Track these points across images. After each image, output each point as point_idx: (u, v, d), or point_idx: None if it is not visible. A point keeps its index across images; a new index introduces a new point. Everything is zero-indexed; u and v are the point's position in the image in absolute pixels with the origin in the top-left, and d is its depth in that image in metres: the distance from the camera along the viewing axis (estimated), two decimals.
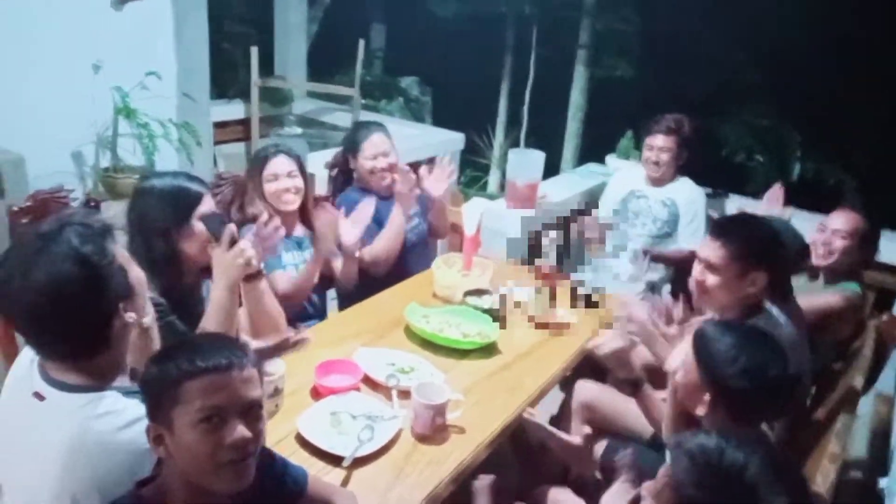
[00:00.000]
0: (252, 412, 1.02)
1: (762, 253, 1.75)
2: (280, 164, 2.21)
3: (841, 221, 2.23)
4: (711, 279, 1.77)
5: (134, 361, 1.22)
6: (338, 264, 2.37)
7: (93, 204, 3.11)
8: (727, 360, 1.33)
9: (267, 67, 4.87)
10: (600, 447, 2.08)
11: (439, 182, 2.55)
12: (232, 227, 1.57)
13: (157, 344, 1.31)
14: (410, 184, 2.42)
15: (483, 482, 1.73)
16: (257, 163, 2.23)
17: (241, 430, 0.99)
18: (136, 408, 1.11)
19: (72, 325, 1.10)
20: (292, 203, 2.23)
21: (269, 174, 2.20)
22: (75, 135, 3.33)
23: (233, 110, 4.63)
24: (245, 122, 4.65)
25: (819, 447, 1.56)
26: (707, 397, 1.37)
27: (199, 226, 1.67)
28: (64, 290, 1.07)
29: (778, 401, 1.34)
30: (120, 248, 1.19)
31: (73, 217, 1.15)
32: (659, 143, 2.95)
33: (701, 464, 1.00)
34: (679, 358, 1.55)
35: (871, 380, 2.05)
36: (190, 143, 3.59)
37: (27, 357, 1.21)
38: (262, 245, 1.70)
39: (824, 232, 2.26)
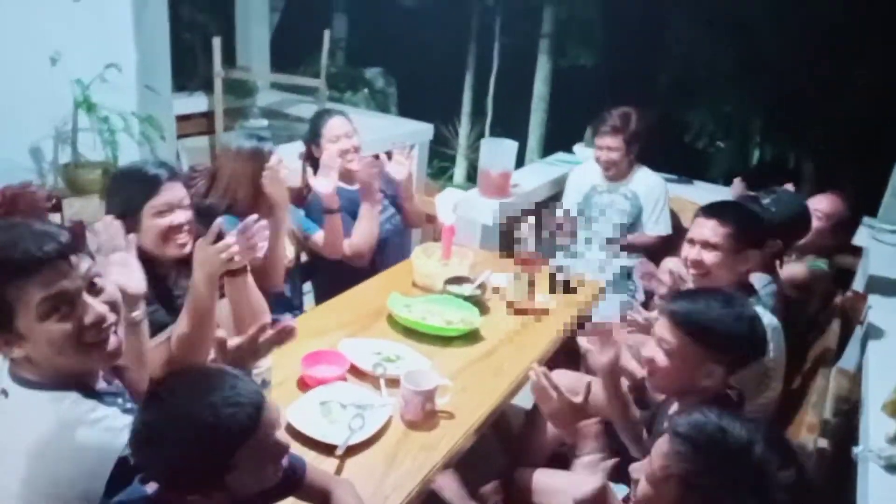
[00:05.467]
0: None
1: (755, 230, 1.84)
2: (277, 156, 2.19)
3: (822, 203, 2.36)
4: (710, 257, 1.84)
5: (124, 360, 1.20)
6: (318, 237, 2.36)
7: (54, 201, 3.02)
8: (723, 319, 1.40)
9: (229, 58, 4.77)
10: None
11: (400, 165, 2.54)
12: (220, 220, 1.54)
13: (146, 343, 1.29)
14: (372, 171, 2.41)
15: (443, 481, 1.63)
16: (259, 154, 2.14)
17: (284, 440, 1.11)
18: (97, 409, 1.11)
19: None
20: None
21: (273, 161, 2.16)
22: (33, 129, 3.22)
23: (195, 103, 4.52)
24: (208, 115, 4.54)
25: (797, 418, 1.62)
26: (715, 367, 1.41)
27: (150, 220, 1.64)
28: None
29: (761, 341, 1.44)
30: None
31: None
32: (607, 143, 2.95)
33: (705, 447, 0.95)
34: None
35: (837, 356, 2.13)
36: (153, 136, 3.50)
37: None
38: (249, 244, 1.67)
39: None
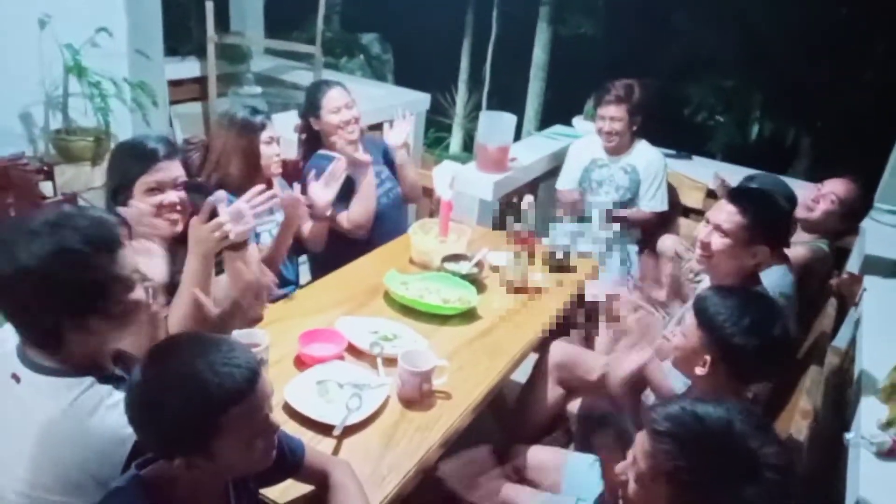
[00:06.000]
0: None
1: (772, 229, 1.81)
2: (272, 130, 2.16)
3: (837, 186, 2.37)
4: (718, 242, 1.82)
5: (137, 346, 1.20)
6: (306, 226, 2.34)
7: (46, 168, 2.97)
8: (731, 320, 1.38)
9: (223, 23, 4.67)
10: (574, 406, 2.15)
11: (400, 132, 2.53)
12: (212, 200, 1.52)
13: (162, 332, 1.28)
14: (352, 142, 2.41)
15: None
16: (250, 129, 2.11)
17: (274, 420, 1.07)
18: (112, 394, 1.11)
19: (43, 316, 1.07)
20: (279, 168, 2.19)
21: (266, 137, 2.14)
22: (23, 94, 3.16)
23: (188, 68, 4.44)
24: (201, 81, 4.46)
25: (791, 402, 1.63)
26: (708, 358, 1.41)
27: (141, 197, 1.61)
28: (42, 282, 1.05)
29: (779, 358, 1.41)
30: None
31: (76, 214, 1.12)
32: (610, 113, 2.93)
33: (686, 440, 0.96)
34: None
35: (831, 338, 2.14)
36: (145, 102, 3.45)
37: (7, 338, 1.17)
38: (252, 214, 1.66)
39: (818, 191, 2.39)
